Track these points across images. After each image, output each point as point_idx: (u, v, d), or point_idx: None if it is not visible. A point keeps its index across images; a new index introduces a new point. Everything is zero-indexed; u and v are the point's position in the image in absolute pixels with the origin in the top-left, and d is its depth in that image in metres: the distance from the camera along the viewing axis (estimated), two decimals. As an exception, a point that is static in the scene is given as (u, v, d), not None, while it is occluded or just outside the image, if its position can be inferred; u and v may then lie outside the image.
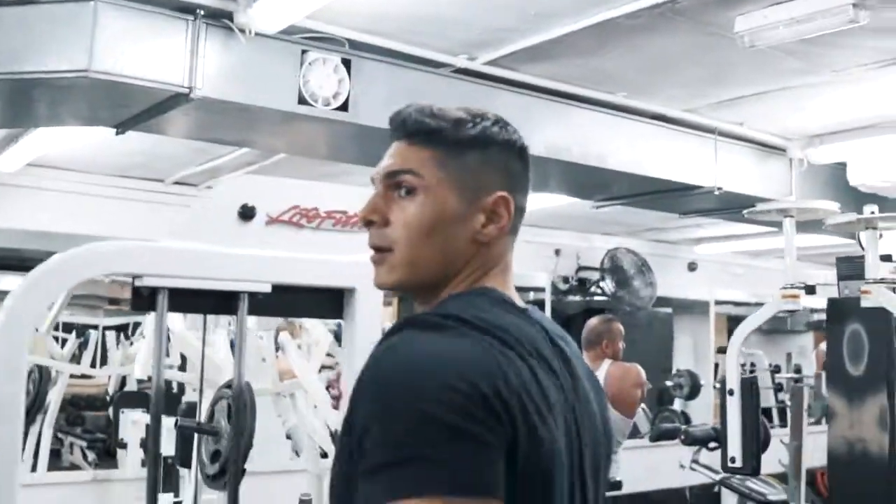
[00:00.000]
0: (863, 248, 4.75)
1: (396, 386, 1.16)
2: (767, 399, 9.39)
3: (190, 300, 2.36)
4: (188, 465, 4.08)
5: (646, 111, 5.13)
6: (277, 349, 5.43)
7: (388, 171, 1.39)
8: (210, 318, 4.30)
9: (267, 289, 2.36)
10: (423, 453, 1.10)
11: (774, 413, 9.20)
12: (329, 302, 2.48)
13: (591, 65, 4.45)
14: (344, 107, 4.11)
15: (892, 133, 5.39)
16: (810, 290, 4.91)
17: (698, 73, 4.61)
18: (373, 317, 2.53)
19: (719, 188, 5.49)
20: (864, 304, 4.62)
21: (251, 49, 3.92)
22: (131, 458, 5.86)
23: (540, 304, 9.52)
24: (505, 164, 1.44)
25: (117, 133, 4.49)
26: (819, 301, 5.15)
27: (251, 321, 5.18)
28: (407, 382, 1.15)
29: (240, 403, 2.81)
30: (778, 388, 8.37)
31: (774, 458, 5.85)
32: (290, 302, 2.46)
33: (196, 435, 3.41)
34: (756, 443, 5.10)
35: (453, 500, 1.08)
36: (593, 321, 5.73)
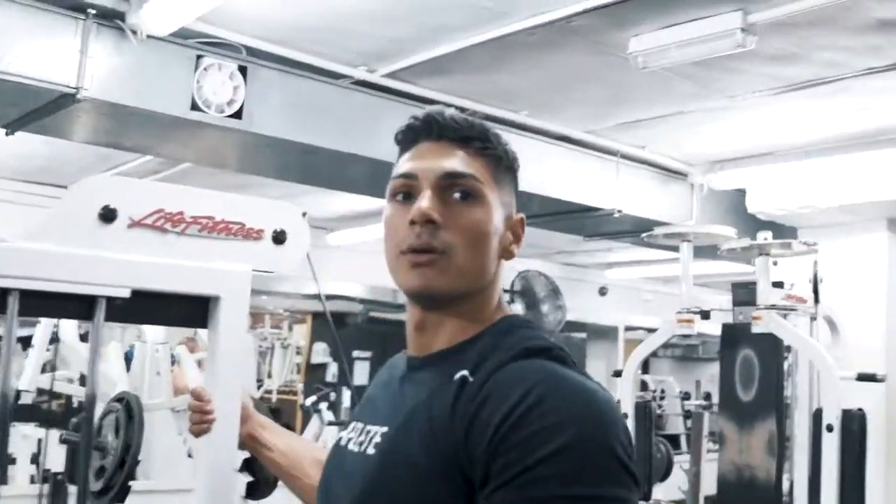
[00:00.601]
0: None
1: (587, 423, 1.14)
2: (676, 426, 9.48)
3: (43, 303, 2.25)
4: (76, 482, 3.94)
5: (548, 131, 5.13)
6: (173, 362, 5.31)
7: (448, 171, 1.32)
8: (105, 329, 4.18)
9: (126, 294, 2.26)
10: (616, 494, 1.11)
11: (682, 440, 9.26)
12: (192, 310, 2.38)
13: (492, 81, 4.44)
14: (238, 114, 4.04)
15: (788, 161, 5.47)
16: (705, 315, 4.95)
17: (599, 94, 4.62)
18: (238, 327, 2.45)
19: (619, 210, 5.52)
20: (756, 329, 4.67)
21: (144, 51, 3.83)
22: (21, 474, 5.66)
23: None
24: (517, 188, 1.42)
25: (7, 134, 4.37)
26: (714, 326, 5.20)
27: (151, 333, 5.07)
28: (598, 422, 1.15)
29: (120, 417, 2.72)
30: (686, 415, 8.45)
31: (675, 485, 5.89)
32: (150, 309, 2.36)
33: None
34: (648, 467, 5.11)
35: None
36: None
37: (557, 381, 1.19)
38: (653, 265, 9.74)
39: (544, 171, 5.20)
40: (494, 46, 3.93)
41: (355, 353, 10.46)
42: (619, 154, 5.49)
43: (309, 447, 1.91)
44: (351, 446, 1.37)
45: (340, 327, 10.05)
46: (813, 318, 4.98)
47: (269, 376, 10.84)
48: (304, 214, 2.59)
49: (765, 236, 4.82)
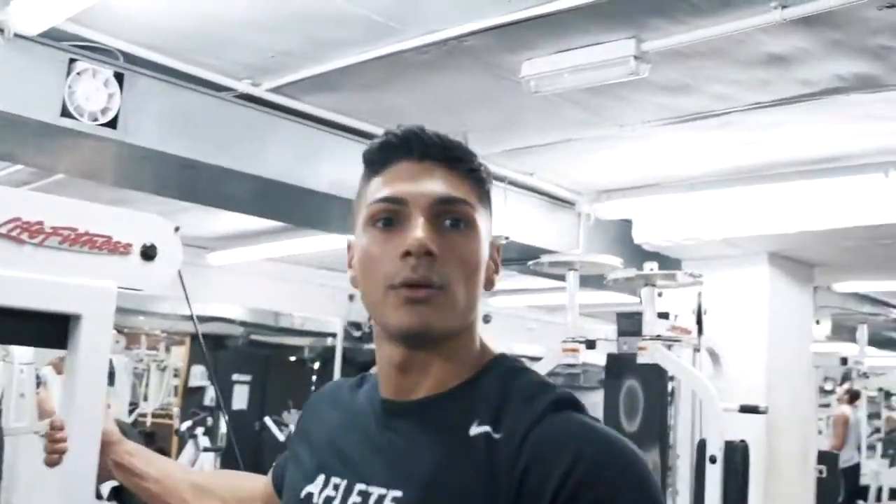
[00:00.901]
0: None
1: (638, 490, 1.11)
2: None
3: None
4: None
5: (436, 154, 5.03)
6: (39, 384, 5.04)
7: (443, 196, 1.22)
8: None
9: (-25, 310, 2.07)
10: None
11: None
12: (50, 329, 2.19)
13: (381, 100, 4.33)
14: (113, 123, 3.83)
15: (675, 192, 5.49)
16: (591, 344, 4.92)
17: (489, 118, 4.55)
18: (100, 349, 2.26)
19: (506, 237, 5.45)
20: (640, 360, 4.66)
21: (11, 51, 3.60)
22: None
23: (332, 351, 9.35)
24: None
25: None
26: (599, 356, 5.18)
27: (19, 353, 4.80)
28: (646, 487, 1.12)
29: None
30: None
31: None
32: (3, 327, 2.17)
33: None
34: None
35: None
36: None
37: (599, 438, 1.15)
38: (538, 293, 9.74)
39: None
40: (384, 64, 3.82)
41: (235, 377, 10.19)
42: (507, 180, 5.44)
43: (183, 472, 1.76)
44: None
45: (219, 350, 9.78)
46: (696, 350, 5.01)
47: (145, 399, 10.49)
48: (176, 229, 2.43)
49: (650, 267, 4.83)
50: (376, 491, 1.20)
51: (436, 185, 1.22)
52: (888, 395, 15.50)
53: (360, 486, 1.23)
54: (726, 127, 4.52)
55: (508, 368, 1.26)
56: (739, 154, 4.99)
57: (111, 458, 1.77)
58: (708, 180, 5.43)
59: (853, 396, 11.40)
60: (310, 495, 1.29)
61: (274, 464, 1.58)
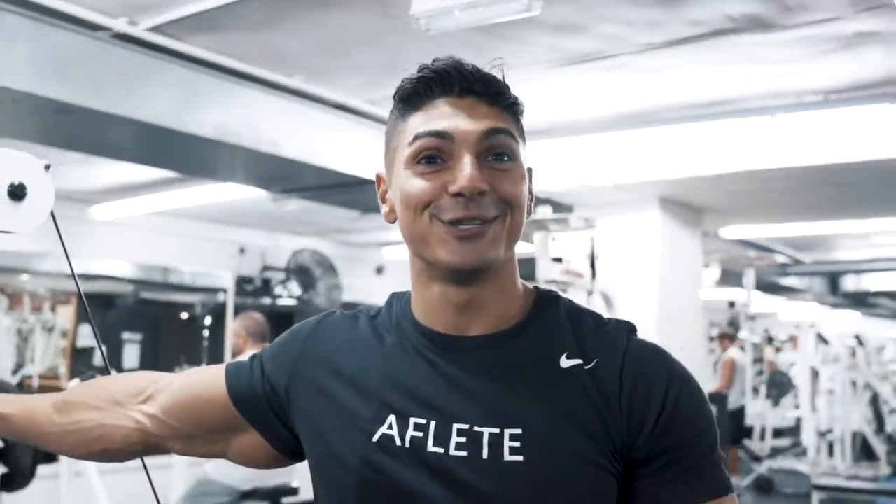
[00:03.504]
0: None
1: (705, 397, 1.28)
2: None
3: None
4: None
5: (325, 98, 4.91)
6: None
7: (489, 130, 1.23)
8: None
9: None
10: (722, 459, 1.25)
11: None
12: None
13: (266, 41, 4.19)
14: (-22, 65, 3.62)
15: (566, 137, 5.48)
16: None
17: (378, 60, 4.45)
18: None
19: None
20: (534, 304, 4.65)
21: None
22: None
23: (223, 307, 9.19)
24: None
25: None
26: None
27: None
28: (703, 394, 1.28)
29: None
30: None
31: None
32: None
33: None
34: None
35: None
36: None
37: (675, 361, 1.27)
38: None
39: (320, 141, 5.00)
40: (269, 1, 3.68)
41: (125, 336, 9.94)
42: (396, 125, 5.36)
43: (49, 398, 1.64)
44: (433, 448, 1.22)
45: (108, 308, 9.53)
46: (590, 293, 5.04)
47: (32, 361, 10.18)
48: (47, 167, 2.28)
49: (544, 212, 4.83)
50: (486, 430, 1.21)
51: (480, 120, 1.23)
52: (770, 339, 16.00)
53: (458, 426, 1.22)
54: (617, 70, 4.51)
55: (563, 301, 1.34)
56: (630, 98, 4.99)
57: None
58: (599, 125, 5.42)
59: (730, 339, 11.73)
60: (388, 438, 1.25)
61: (226, 369, 1.47)
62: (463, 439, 1.21)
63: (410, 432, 1.23)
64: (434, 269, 1.26)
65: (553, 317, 1.30)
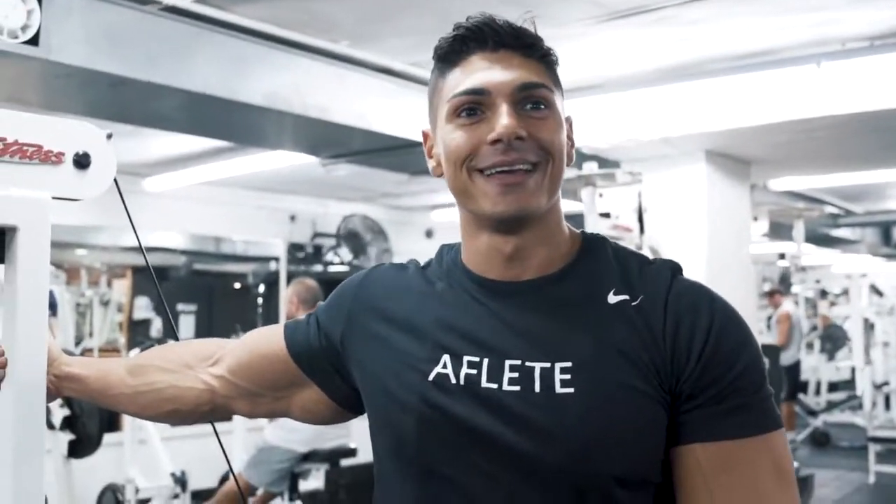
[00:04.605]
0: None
1: (751, 332, 1.30)
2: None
3: None
4: None
5: (370, 63, 4.95)
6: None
7: (525, 82, 1.28)
8: None
9: None
10: (770, 394, 1.26)
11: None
12: (-15, 243, 2.13)
13: (310, 8, 4.23)
14: (34, 41, 3.69)
15: (611, 92, 5.48)
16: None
17: (423, 23, 4.47)
18: (39, 261, 2.19)
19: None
20: (584, 260, 4.68)
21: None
22: None
23: (275, 275, 9.31)
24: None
25: None
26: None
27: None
28: (749, 329, 1.31)
29: None
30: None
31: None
32: (-65, 242, 2.10)
33: None
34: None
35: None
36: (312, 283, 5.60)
37: (718, 297, 1.31)
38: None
39: (367, 105, 5.04)
40: (313, -31, 3.74)
41: (180, 307, 10.10)
42: (443, 87, 5.38)
43: (122, 361, 1.73)
44: (486, 384, 1.27)
45: (162, 280, 9.68)
46: (638, 248, 5.05)
47: (91, 335, 10.37)
48: (109, 136, 2.36)
49: (590, 168, 4.85)
50: (537, 365, 1.26)
51: (515, 72, 1.28)
52: (823, 293, 15.84)
53: (510, 362, 1.27)
54: (660, 23, 4.49)
55: (609, 243, 1.38)
56: (674, 51, 4.98)
57: (52, 374, 1.72)
58: (643, 79, 5.41)
59: (781, 294, 11.61)
60: (443, 376, 1.30)
61: (284, 327, 1.56)
62: (515, 374, 1.25)
63: (465, 370, 1.28)
64: (480, 220, 1.31)
65: (600, 258, 1.35)
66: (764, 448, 1.22)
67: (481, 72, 1.28)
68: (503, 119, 1.25)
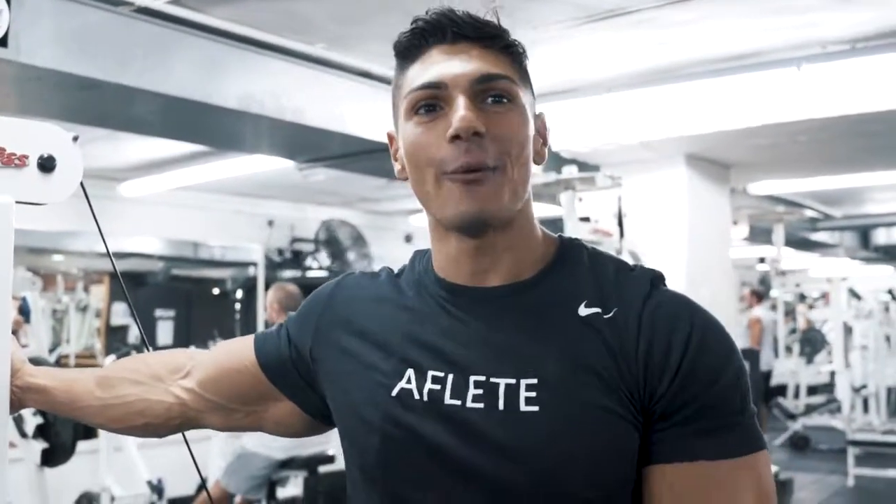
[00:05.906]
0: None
1: (735, 349, 1.21)
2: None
3: None
4: None
5: (347, 65, 4.90)
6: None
7: (483, 73, 1.20)
8: None
9: None
10: (754, 413, 1.19)
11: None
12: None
13: (287, 10, 4.18)
14: (3, 42, 3.62)
15: (590, 96, 5.45)
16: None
17: (399, 25, 4.41)
18: (2, 267, 2.13)
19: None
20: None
21: None
22: None
23: (253, 279, 9.25)
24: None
25: None
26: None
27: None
28: (735, 347, 1.22)
29: None
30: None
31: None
32: None
33: None
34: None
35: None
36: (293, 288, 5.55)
37: (700, 309, 1.22)
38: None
39: (344, 108, 4.99)
40: (288, -31, 3.68)
41: (158, 313, 10.02)
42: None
43: (90, 373, 1.66)
44: (450, 400, 1.21)
45: (140, 286, 9.60)
46: (618, 252, 5.02)
47: (67, 341, 10.27)
48: (75, 139, 2.30)
49: (570, 171, 4.81)
50: (502, 381, 1.19)
51: (473, 63, 1.21)
52: (802, 297, 15.90)
53: (475, 378, 1.21)
54: (640, 25, 4.47)
55: (587, 250, 1.31)
56: (653, 54, 4.95)
57: (15, 385, 1.66)
58: (623, 82, 5.39)
59: (759, 297, 11.66)
60: (407, 392, 1.24)
61: (254, 339, 1.50)
62: (479, 391, 1.19)
63: (428, 385, 1.23)
64: (445, 223, 1.25)
65: (575, 265, 1.28)
66: (745, 470, 1.15)
67: (439, 65, 1.22)
68: (459, 112, 1.17)
